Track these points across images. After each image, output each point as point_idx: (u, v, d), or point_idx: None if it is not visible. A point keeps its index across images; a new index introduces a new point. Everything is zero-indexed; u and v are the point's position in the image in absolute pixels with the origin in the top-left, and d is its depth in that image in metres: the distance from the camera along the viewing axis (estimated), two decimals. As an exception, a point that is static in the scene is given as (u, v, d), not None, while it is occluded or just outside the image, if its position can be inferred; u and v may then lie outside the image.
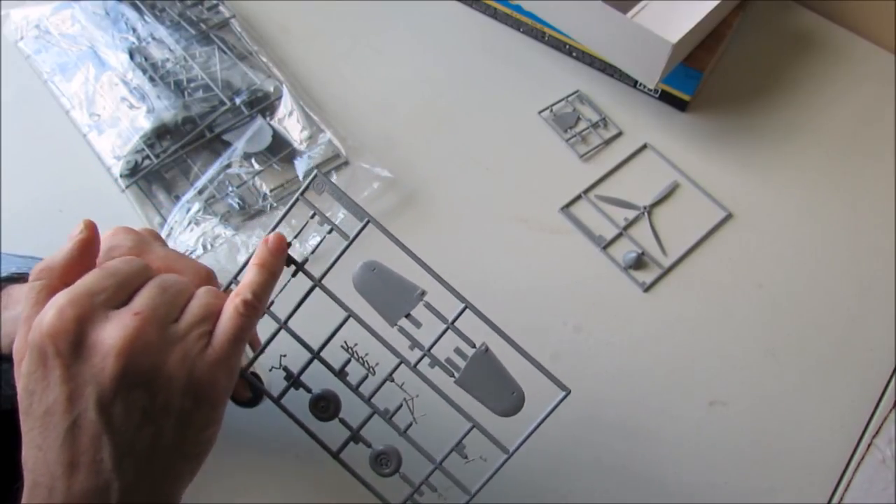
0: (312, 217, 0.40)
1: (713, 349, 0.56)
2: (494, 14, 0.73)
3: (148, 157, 0.59)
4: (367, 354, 0.41)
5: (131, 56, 0.64)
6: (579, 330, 0.56)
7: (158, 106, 0.61)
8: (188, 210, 0.57)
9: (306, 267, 0.40)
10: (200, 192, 0.58)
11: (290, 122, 0.62)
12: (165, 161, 0.59)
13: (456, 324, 0.39)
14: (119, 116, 0.61)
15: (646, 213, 0.62)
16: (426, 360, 0.39)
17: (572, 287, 0.58)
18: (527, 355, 0.38)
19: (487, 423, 0.39)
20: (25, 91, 0.64)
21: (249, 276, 0.36)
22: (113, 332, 0.31)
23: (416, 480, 0.39)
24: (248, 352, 0.43)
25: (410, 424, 0.40)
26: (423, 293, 0.38)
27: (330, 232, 0.40)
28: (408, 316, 0.38)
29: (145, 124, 0.60)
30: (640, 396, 0.54)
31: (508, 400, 0.38)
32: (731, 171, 0.65)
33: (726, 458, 0.52)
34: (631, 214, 0.62)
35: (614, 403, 0.53)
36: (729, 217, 0.63)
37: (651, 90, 0.69)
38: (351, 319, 0.39)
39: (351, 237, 0.39)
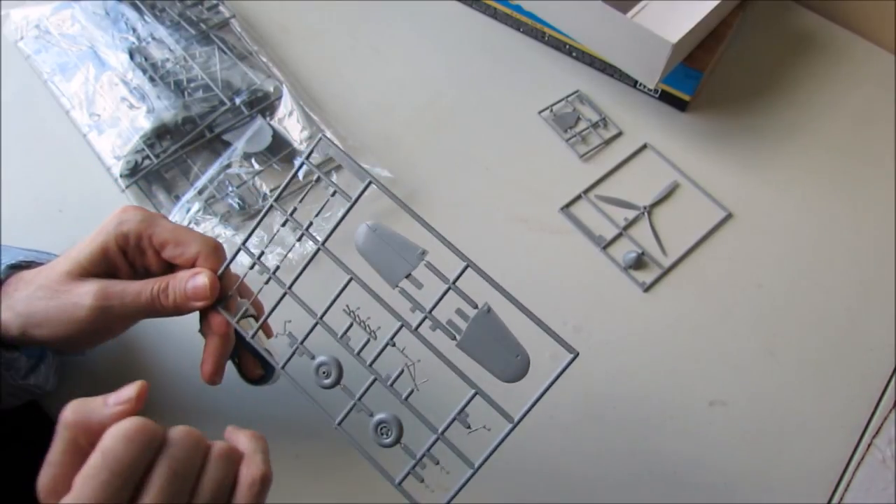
0: (318, 181, 0.39)
1: (713, 349, 0.56)
2: (494, 14, 0.73)
3: (148, 157, 0.59)
4: (368, 319, 0.39)
5: (131, 56, 0.64)
6: (579, 330, 0.56)
7: (158, 106, 0.61)
8: (188, 210, 0.57)
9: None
10: (200, 192, 0.58)
11: (290, 122, 0.62)
12: (165, 161, 0.59)
13: (458, 285, 0.37)
14: (119, 116, 0.61)
15: (646, 213, 0.62)
16: (428, 324, 0.37)
17: (572, 287, 0.58)
18: (531, 315, 0.36)
19: (491, 390, 0.37)
20: (25, 91, 0.64)
21: (254, 444, 0.35)
22: None
23: (419, 451, 0.38)
24: (252, 322, 0.43)
25: (412, 391, 0.38)
26: (424, 252, 0.37)
27: (333, 195, 0.39)
28: (409, 277, 0.37)
29: (145, 124, 0.60)
30: (640, 396, 0.54)
31: (513, 364, 0.36)
32: (731, 171, 0.65)
33: (726, 458, 0.52)
34: (631, 214, 0.62)
35: (614, 403, 0.53)
36: (729, 217, 0.63)
37: (651, 90, 0.69)
38: (354, 284, 0.38)
39: (353, 199, 0.38)
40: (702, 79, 0.66)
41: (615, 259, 0.60)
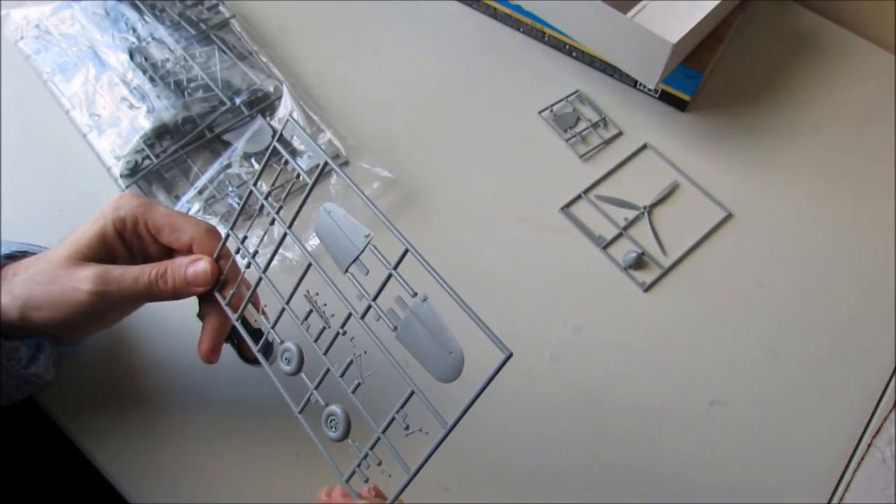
0: (286, 164, 0.39)
1: (713, 349, 0.56)
2: (494, 14, 0.73)
3: (148, 157, 0.59)
4: (325, 305, 0.39)
5: (131, 56, 0.64)
6: (579, 330, 0.56)
7: (158, 106, 0.61)
8: (188, 210, 0.57)
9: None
10: (200, 192, 0.58)
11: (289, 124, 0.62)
12: (165, 161, 0.59)
13: (404, 273, 0.35)
14: (119, 116, 0.61)
15: (646, 213, 0.62)
16: (374, 313, 0.36)
17: (572, 287, 0.58)
18: (467, 309, 0.33)
19: (434, 387, 0.35)
20: (25, 91, 0.64)
21: None
22: None
23: (366, 446, 0.37)
24: (252, 308, 0.43)
25: (359, 385, 0.37)
26: (369, 235, 0.36)
27: (298, 177, 0.39)
28: (357, 262, 0.36)
29: (145, 124, 0.60)
30: (640, 396, 0.54)
31: (446, 361, 0.34)
32: (731, 171, 0.65)
33: (726, 458, 0.52)
34: (631, 214, 0.62)
35: (614, 403, 0.53)
36: (729, 217, 0.63)
37: (651, 90, 0.69)
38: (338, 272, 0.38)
39: (311, 181, 0.37)
40: (702, 79, 0.66)
41: (615, 259, 0.60)
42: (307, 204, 0.38)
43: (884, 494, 0.51)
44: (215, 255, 0.42)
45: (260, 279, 0.41)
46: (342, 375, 0.37)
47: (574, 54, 0.71)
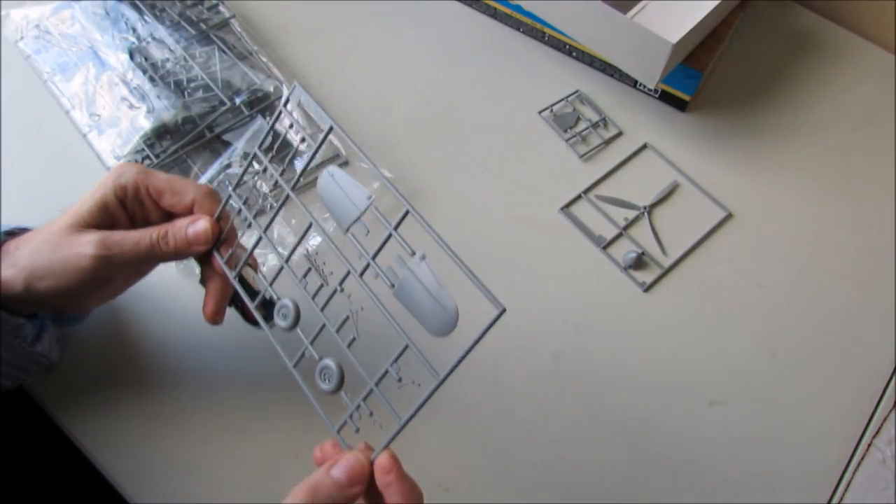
0: (291, 127, 0.40)
1: (713, 349, 0.56)
2: (494, 14, 0.73)
3: (148, 157, 0.59)
4: (324, 264, 0.40)
5: (131, 56, 0.64)
6: (579, 330, 0.56)
7: (158, 106, 0.61)
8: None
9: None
10: (200, 192, 0.58)
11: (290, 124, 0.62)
12: (165, 161, 0.59)
13: (405, 234, 0.36)
14: (119, 116, 0.61)
15: (646, 213, 0.62)
16: (372, 272, 0.37)
17: (572, 287, 0.58)
18: (463, 267, 0.35)
19: (428, 344, 0.36)
20: (25, 91, 0.64)
21: None
22: None
23: (358, 400, 0.38)
24: (251, 271, 0.44)
25: (354, 340, 0.38)
26: (370, 197, 0.37)
27: (302, 141, 0.41)
28: (359, 222, 0.37)
29: (145, 124, 0.60)
30: (640, 396, 0.54)
31: (442, 317, 0.35)
32: (731, 171, 0.65)
33: (726, 457, 0.52)
34: (631, 214, 0.62)
35: (614, 403, 0.53)
36: (729, 217, 0.63)
37: (651, 90, 0.69)
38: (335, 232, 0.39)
39: (317, 144, 0.38)
40: (702, 79, 0.66)
41: (615, 259, 0.60)
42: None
43: (884, 494, 0.51)
44: (216, 216, 0.43)
45: (260, 238, 0.41)
46: (338, 331, 0.38)
47: (574, 54, 0.71)
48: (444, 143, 0.65)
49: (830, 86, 0.72)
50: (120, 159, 0.58)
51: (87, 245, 0.40)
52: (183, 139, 0.60)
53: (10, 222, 0.45)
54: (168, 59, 0.64)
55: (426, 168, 0.63)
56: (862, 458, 0.52)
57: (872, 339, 0.57)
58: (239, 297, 0.45)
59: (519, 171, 0.64)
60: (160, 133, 0.60)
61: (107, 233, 0.41)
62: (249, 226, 0.42)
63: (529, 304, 0.57)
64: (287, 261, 0.41)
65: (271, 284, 0.41)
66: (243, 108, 0.62)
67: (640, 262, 0.59)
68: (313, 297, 0.39)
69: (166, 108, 0.61)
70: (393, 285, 0.36)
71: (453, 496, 0.49)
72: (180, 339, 0.53)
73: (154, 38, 0.65)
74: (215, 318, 0.44)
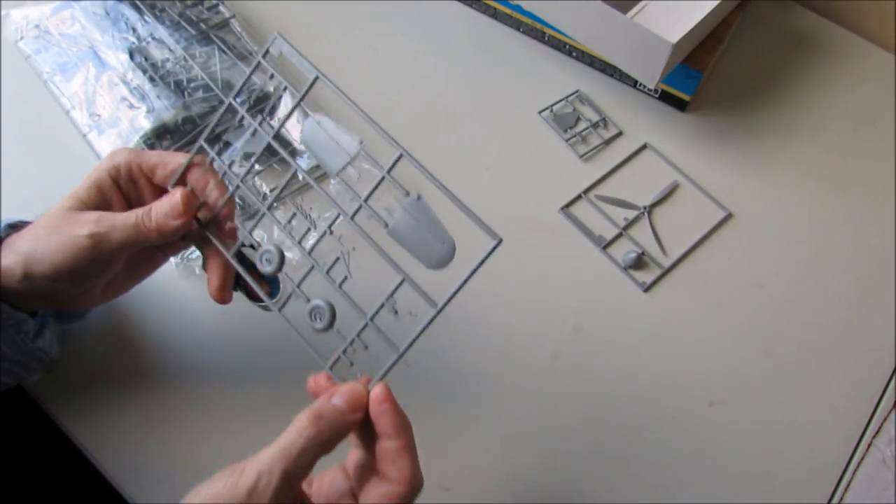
0: (271, 78, 0.41)
1: (713, 349, 0.56)
2: (494, 14, 0.73)
3: (148, 157, 0.59)
4: (311, 209, 0.40)
5: (131, 56, 0.64)
6: (579, 330, 0.56)
7: (158, 106, 0.61)
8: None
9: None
10: (200, 192, 0.58)
11: (290, 122, 0.62)
12: (165, 161, 0.59)
13: (397, 176, 0.37)
14: (119, 116, 0.61)
15: (646, 213, 0.62)
16: (365, 214, 0.38)
17: (572, 287, 0.58)
18: (458, 202, 0.36)
19: (422, 281, 0.37)
20: (25, 91, 0.64)
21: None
22: None
23: (353, 334, 0.38)
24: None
25: (345, 279, 0.38)
26: (362, 142, 0.38)
27: (284, 90, 0.41)
28: (349, 167, 0.38)
29: (145, 124, 0.60)
30: (640, 396, 0.54)
31: (438, 251, 0.36)
32: (731, 171, 0.65)
33: (726, 457, 0.52)
34: (631, 214, 0.62)
35: (614, 403, 0.53)
36: (729, 217, 0.63)
37: (651, 90, 0.69)
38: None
39: (301, 94, 0.39)
40: (702, 79, 0.66)
41: (615, 259, 0.60)
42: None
43: (884, 494, 0.51)
44: (181, 170, 0.43)
45: (238, 187, 0.42)
46: (328, 271, 0.38)
47: (574, 54, 0.71)
48: (443, 143, 0.65)
49: (830, 86, 0.72)
50: (120, 159, 0.59)
51: (84, 225, 0.41)
52: (183, 139, 0.60)
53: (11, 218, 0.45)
54: (168, 59, 0.64)
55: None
56: (862, 458, 0.52)
57: (872, 339, 0.57)
58: (240, 277, 0.45)
59: (519, 171, 0.64)
60: (160, 133, 0.60)
61: (102, 213, 0.42)
62: (224, 175, 0.42)
63: (529, 304, 0.57)
64: (269, 208, 0.41)
65: (251, 232, 0.41)
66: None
67: (640, 262, 0.59)
68: (299, 242, 0.40)
69: (166, 108, 0.61)
70: (387, 225, 0.36)
71: (453, 496, 0.49)
72: (181, 338, 0.53)
73: (154, 38, 0.65)
74: (221, 293, 0.44)
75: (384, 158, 0.38)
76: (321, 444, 0.34)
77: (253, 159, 0.43)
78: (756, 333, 0.57)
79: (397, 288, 0.37)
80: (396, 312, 0.36)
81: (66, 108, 0.62)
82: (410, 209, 0.36)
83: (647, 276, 0.59)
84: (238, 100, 0.43)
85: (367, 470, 0.36)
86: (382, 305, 0.37)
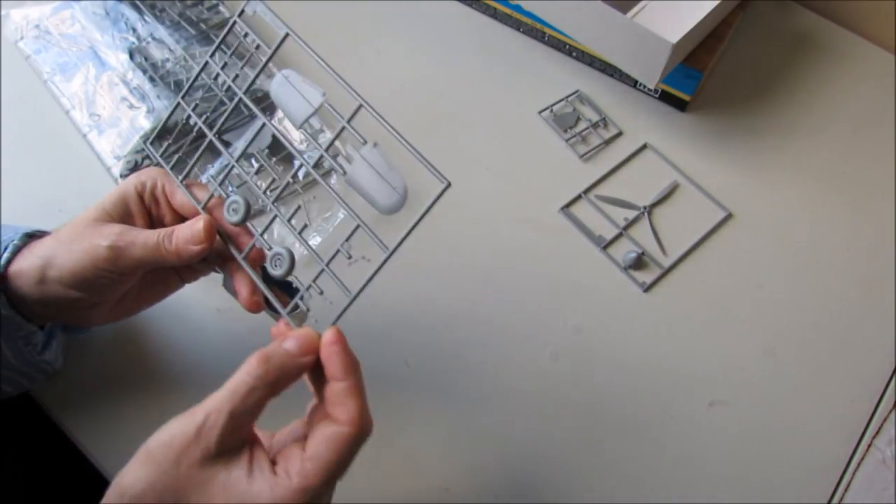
0: (246, 37, 0.43)
1: (713, 349, 0.56)
2: (494, 14, 0.73)
3: (148, 157, 0.59)
4: (273, 160, 0.43)
5: (131, 56, 0.64)
6: (579, 330, 0.56)
7: (158, 106, 0.61)
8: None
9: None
10: (200, 192, 0.58)
11: (290, 123, 0.62)
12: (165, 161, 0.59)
13: (357, 126, 0.39)
14: (119, 116, 0.61)
15: (646, 213, 0.62)
16: (326, 164, 0.39)
17: (572, 287, 0.58)
18: (409, 146, 0.38)
19: (377, 230, 0.38)
20: (25, 91, 0.64)
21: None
22: None
23: (310, 281, 0.39)
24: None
25: (305, 226, 0.40)
26: (324, 94, 0.39)
27: (257, 48, 0.43)
28: (312, 118, 0.39)
29: (145, 124, 0.60)
30: (640, 397, 0.54)
31: (391, 196, 0.38)
32: (731, 171, 0.65)
33: (726, 457, 0.52)
34: (631, 214, 0.62)
35: (614, 403, 0.53)
36: (729, 217, 0.63)
37: (651, 90, 0.69)
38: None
39: (271, 51, 0.41)
40: (702, 79, 0.66)
41: (615, 259, 0.60)
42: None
43: (884, 494, 0.51)
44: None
45: (208, 140, 0.43)
46: (290, 220, 0.40)
47: (574, 54, 0.71)
48: (443, 143, 0.65)
49: (830, 86, 0.72)
50: (120, 159, 0.58)
51: (107, 237, 0.41)
52: (183, 139, 0.60)
53: (9, 222, 0.45)
54: (168, 59, 0.64)
55: (426, 168, 0.63)
56: (862, 458, 0.52)
57: (872, 339, 0.57)
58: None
59: (519, 171, 0.64)
60: (160, 133, 0.60)
61: (125, 227, 0.43)
62: (199, 133, 0.44)
63: (529, 304, 0.57)
64: (237, 161, 0.42)
65: (221, 185, 0.42)
66: (243, 108, 0.62)
67: (640, 262, 0.59)
68: (265, 192, 0.41)
69: (166, 108, 0.61)
70: (344, 172, 0.38)
71: (453, 496, 0.49)
72: (185, 343, 0.53)
73: (154, 38, 0.65)
74: (252, 299, 0.45)
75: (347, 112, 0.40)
76: (268, 384, 0.34)
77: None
78: (756, 333, 0.57)
79: (352, 234, 0.38)
80: (350, 257, 0.37)
81: (66, 108, 0.62)
82: (368, 157, 0.38)
83: (647, 277, 0.59)
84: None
85: (319, 415, 0.37)
86: (338, 251, 0.38)
